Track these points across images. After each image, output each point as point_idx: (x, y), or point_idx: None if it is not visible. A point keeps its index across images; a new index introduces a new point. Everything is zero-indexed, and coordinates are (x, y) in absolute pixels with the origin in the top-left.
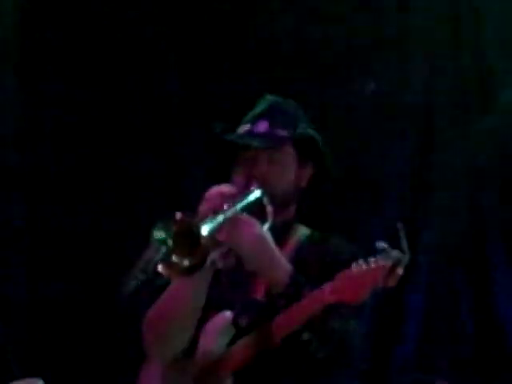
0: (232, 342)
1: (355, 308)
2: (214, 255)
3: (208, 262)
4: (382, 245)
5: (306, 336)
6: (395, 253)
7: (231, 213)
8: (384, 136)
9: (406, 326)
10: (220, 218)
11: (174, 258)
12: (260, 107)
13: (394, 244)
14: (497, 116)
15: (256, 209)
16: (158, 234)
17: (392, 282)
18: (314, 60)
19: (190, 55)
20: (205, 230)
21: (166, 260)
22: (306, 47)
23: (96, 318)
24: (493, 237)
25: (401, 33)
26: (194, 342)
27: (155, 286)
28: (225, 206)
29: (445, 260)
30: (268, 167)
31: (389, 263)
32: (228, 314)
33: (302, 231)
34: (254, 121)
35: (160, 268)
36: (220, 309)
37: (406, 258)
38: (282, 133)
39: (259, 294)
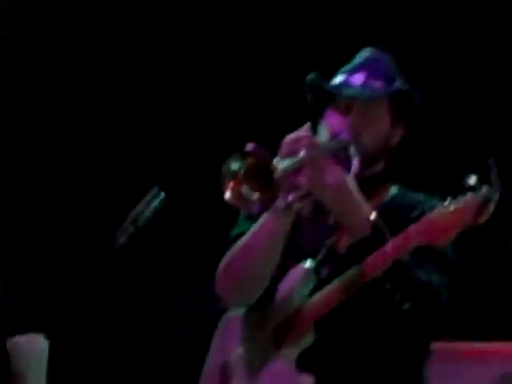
0: (312, 292)
1: (441, 260)
2: (291, 198)
3: (283, 203)
4: (471, 180)
5: (388, 285)
6: (485, 189)
7: (314, 155)
8: None
9: None
10: (299, 158)
11: (244, 190)
12: (357, 59)
13: (485, 179)
14: None
15: (340, 158)
16: (232, 165)
17: (482, 220)
18: None
19: None
20: (280, 165)
21: (235, 190)
22: None
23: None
24: None
25: None
26: (272, 292)
27: (231, 235)
28: (303, 151)
29: None
30: (360, 119)
31: (478, 200)
32: (309, 263)
33: (391, 189)
34: (351, 72)
35: (227, 196)
36: (300, 260)
37: (496, 194)
38: (379, 85)
39: (342, 248)
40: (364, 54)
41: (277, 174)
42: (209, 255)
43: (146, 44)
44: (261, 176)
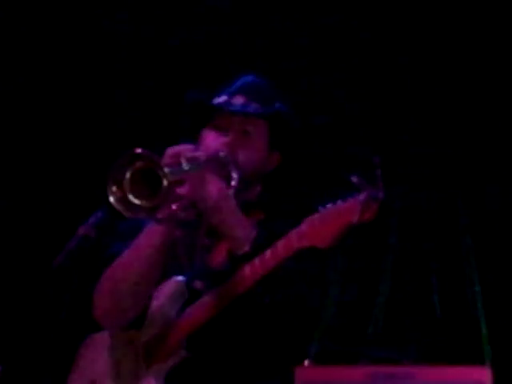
0: (184, 307)
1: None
2: (174, 207)
3: (165, 213)
4: (355, 179)
5: (265, 298)
6: (368, 188)
7: (197, 167)
8: None
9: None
10: (185, 169)
11: (130, 196)
12: (238, 83)
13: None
14: None
15: (220, 174)
16: (119, 169)
17: (367, 217)
18: None
19: None
20: (168, 174)
21: (121, 196)
22: None
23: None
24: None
25: None
26: (144, 309)
27: (106, 255)
28: (184, 163)
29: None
30: (238, 137)
31: (361, 200)
32: (180, 278)
33: (260, 216)
34: (231, 95)
35: (112, 201)
36: None
37: (380, 193)
38: (257, 107)
39: (217, 263)
40: (244, 78)
41: (166, 182)
42: None
43: None
44: (147, 183)
